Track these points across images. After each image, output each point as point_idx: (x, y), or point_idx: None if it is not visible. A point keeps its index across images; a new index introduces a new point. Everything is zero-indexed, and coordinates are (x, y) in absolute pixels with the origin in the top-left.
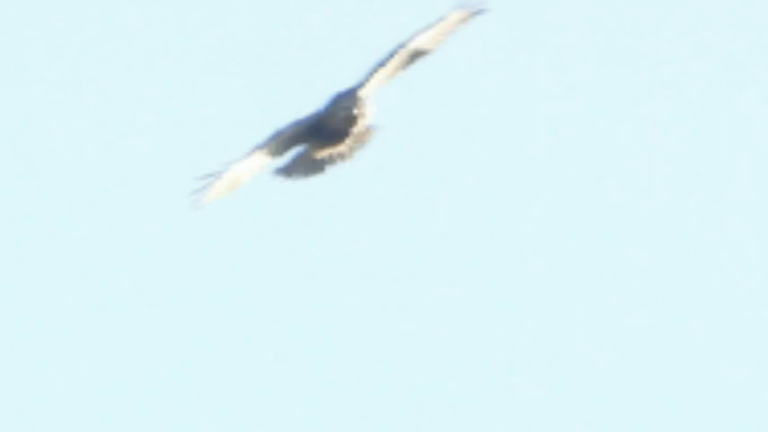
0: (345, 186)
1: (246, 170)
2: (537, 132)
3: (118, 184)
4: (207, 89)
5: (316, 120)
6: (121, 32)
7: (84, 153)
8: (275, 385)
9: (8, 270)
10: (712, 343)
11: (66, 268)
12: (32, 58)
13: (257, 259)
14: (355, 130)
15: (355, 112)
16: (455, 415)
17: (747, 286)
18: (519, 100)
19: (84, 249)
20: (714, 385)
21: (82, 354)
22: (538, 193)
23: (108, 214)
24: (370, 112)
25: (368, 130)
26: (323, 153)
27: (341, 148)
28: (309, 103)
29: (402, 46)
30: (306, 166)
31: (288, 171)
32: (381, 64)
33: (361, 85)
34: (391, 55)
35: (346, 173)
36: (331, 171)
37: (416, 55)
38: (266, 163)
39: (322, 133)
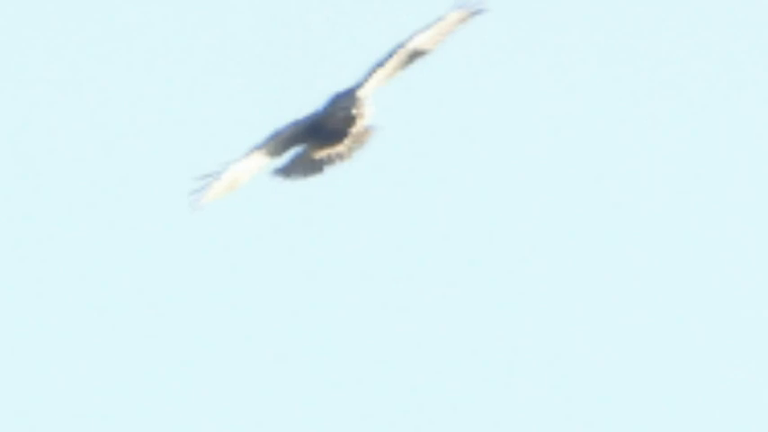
0: (344, 187)
1: (245, 170)
2: (536, 132)
3: (117, 184)
4: (206, 89)
5: (314, 120)
6: (121, 32)
7: (83, 153)
8: (275, 385)
9: (7, 270)
10: (712, 343)
11: (66, 268)
12: (32, 58)
13: (256, 260)
14: (354, 130)
15: (354, 112)
16: (455, 415)
17: (747, 286)
18: (518, 100)
19: (83, 249)
20: (714, 385)
21: (81, 353)
22: (538, 193)
23: (107, 214)
24: (368, 112)
25: (366, 131)
26: (321, 153)
27: (339, 148)
28: (308, 103)
29: (401, 46)
30: (304, 167)
31: (286, 171)
32: (380, 64)
33: (359, 85)
34: (390, 55)
35: (345, 173)
36: (330, 171)
37: (415, 55)
38: (265, 163)
39: (321, 133)
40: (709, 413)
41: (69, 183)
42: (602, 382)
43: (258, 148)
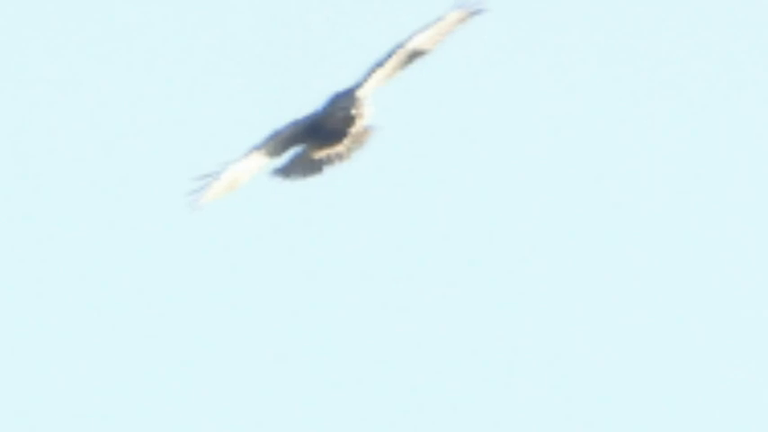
0: (343, 187)
1: (244, 171)
2: (536, 132)
3: (116, 184)
4: (205, 89)
5: (314, 120)
6: (120, 32)
7: (82, 153)
8: (275, 385)
9: (6, 270)
10: (712, 343)
11: (64, 268)
12: (32, 58)
13: (255, 260)
14: (353, 130)
15: (353, 112)
16: (455, 415)
17: (747, 286)
18: (517, 100)
19: (82, 250)
20: (714, 385)
21: (80, 353)
22: (537, 193)
23: (106, 215)
24: (368, 112)
25: (366, 131)
26: (321, 153)
27: (339, 148)
28: (307, 103)
29: (400, 46)
30: (304, 167)
31: (286, 171)
32: (379, 64)
33: (359, 85)
34: (389, 55)
35: (344, 173)
36: (329, 171)
37: (414, 55)
38: (264, 163)
39: (320, 134)
40: (709, 413)
41: (68, 183)
42: (602, 382)
43: (257, 148)
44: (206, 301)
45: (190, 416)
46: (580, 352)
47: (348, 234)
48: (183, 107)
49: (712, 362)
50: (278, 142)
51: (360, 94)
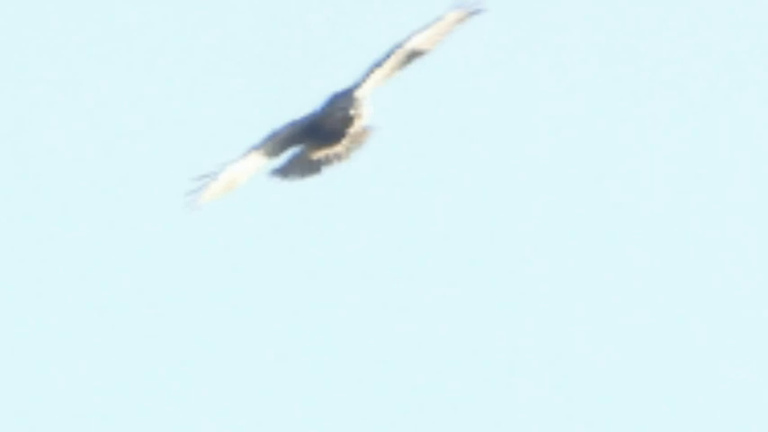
0: (342, 187)
1: (243, 171)
2: (535, 132)
3: (114, 184)
4: (203, 90)
5: (312, 120)
6: (120, 32)
7: (82, 153)
8: (275, 385)
9: (6, 269)
10: (712, 343)
11: (63, 268)
12: (32, 58)
13: (254, 260)
14: (352, 130)
15: (352, 112)
16: (455, 415)
17: (747, 286)
18: (516, 100)
19: (80, 250)
20: (714, 385)
21: (79, 353)
22: (537, 193)
23: (104, 215)
24: (366, 112)
25: (364, 131)
26: (319, 154)
27: (337, 148)
28: (306, 103)
29: (399, 46)
30: (302, 167)
31: (284, 172)
32: (378, 64)
33: (357, 85)
34: (388, 55)
35: (343, 174)
36: (328, 172)
37: (413, 55)
38: (263, 164)
39: (318, 134)
40: (709, 413)
41: (67, 182)
42: (602, 382)
43: (256, 148)
44: (205, 301)
45: (190, 416)
46: (580, 352)
47: (347, 234)
48: (181, 107)
49: (712, 362)
50: (276, 142)
51: (358, 94)
